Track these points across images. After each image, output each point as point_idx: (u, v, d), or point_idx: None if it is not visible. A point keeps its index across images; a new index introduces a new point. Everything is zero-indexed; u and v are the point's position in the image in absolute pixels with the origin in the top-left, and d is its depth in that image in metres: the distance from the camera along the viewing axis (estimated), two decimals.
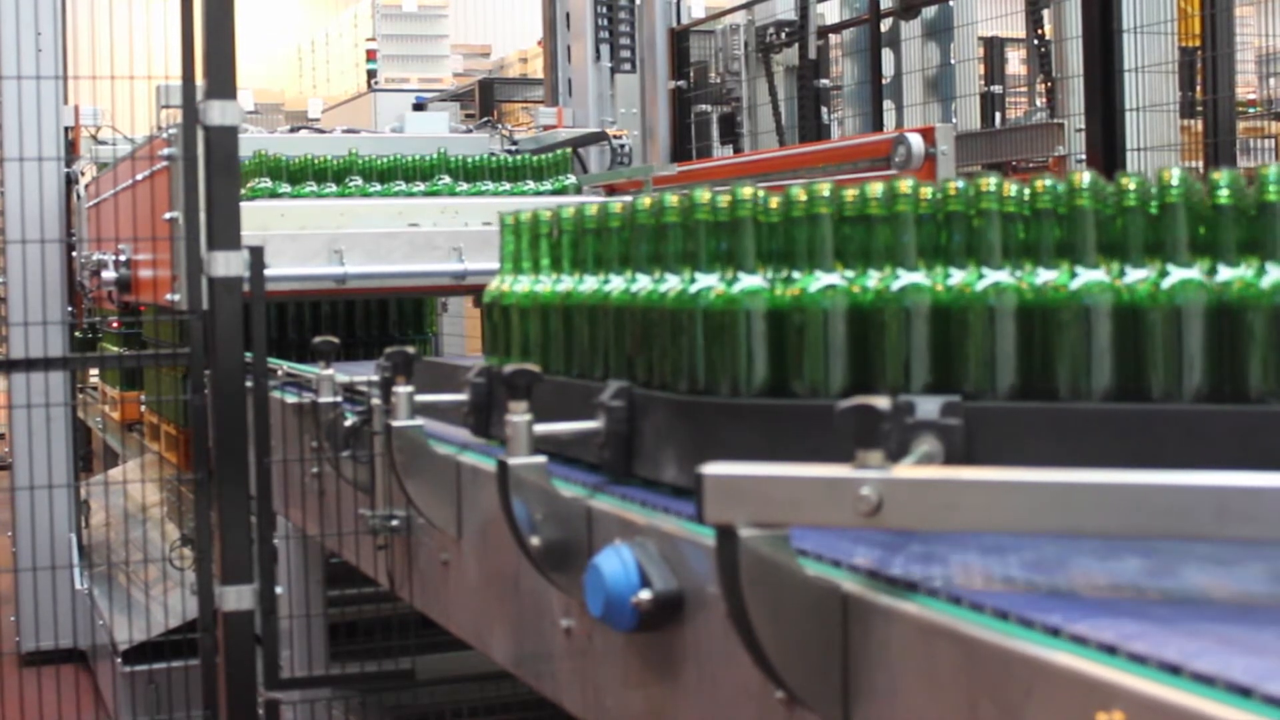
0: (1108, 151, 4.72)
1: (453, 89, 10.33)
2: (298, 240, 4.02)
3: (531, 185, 4.76)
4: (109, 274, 4.50)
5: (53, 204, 6.11)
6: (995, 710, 1.11)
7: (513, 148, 5.65)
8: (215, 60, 3.07)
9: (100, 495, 6.37)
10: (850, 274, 1.59)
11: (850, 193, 1.61)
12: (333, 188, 4.52)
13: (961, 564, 1.33)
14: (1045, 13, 6.42)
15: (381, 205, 4.36)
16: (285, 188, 4.46)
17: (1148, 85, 4.99)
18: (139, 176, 4.28)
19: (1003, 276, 1.50)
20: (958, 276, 1.53)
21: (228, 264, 3.04)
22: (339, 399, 2.80)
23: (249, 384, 3.08)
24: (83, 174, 6.18)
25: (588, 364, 1.95)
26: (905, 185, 1.58)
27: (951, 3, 6.97)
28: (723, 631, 1.41)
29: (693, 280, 1.71)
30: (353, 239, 4.06)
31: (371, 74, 10.72)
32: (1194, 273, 1.43)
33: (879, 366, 1.56)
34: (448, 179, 4.64)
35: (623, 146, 5.71)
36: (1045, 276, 1.49)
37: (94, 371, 7.40)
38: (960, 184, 1.55)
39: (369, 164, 4.61)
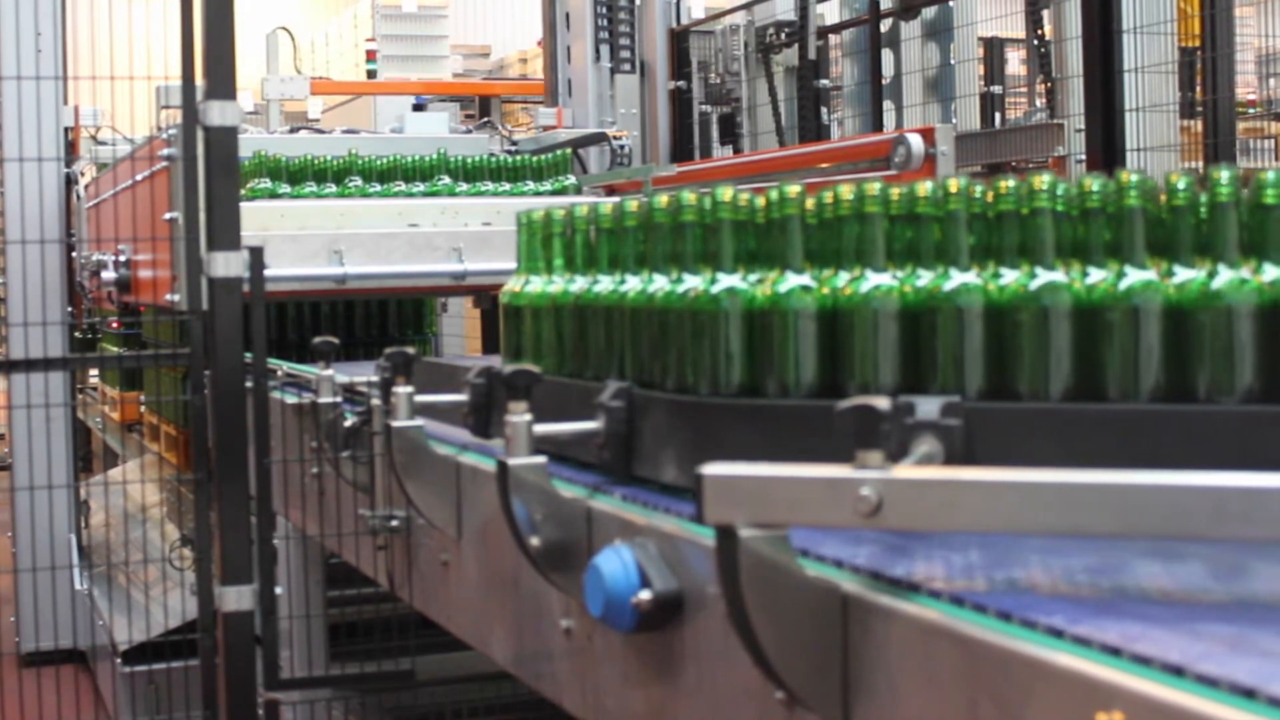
0: (1108, 152, 4.72)
1: None
2: (298, 241, 4.02)
3: (531, 186, 4.76)
4: (109, 274, 4.50)
5: (53, 204, 6.10)
6: (995, 710, 1.11)
7: (512, 148, 5.65)
8: (215, 60, 3.07)
9: (100, 495, 6.37)
10: (901, 274, 1.57)
11: (897, 191, 1.59)
12: (332, 188, 4.52)
13: (962, 564, 1.33)
14: (1045, 13, 6.42)
15: (381, 206, 4.35)
16: (285, 188, 4.45)
17: (1148, 85, 4.98)
18: (139, 177, 4.28)
19: (1056, 276, 1.49)
20: (1009, 276, 1.51)
21: (228, 264, 3.04)
22: (339, 399, 2.80)
23: (249, 384, 3.08)
24: (82, 174, 6.17)
25: (605, 366, 1.92)
26: (956, 184, 1.56)
27: (951, 3, 6.97)
28: (723, 631, 1.41)
29: (714, 280, 1.68)
30: (352, 239, 4.05)
31: (371, 74, 10.72)
32: (1245, 273, 1.43)
33: (929, 368, 1.54)
34: (447, 179, 4.64)
35: (622, 147, 5.71)
36: (1095, 276, 1.47)
37: (94, 372, 7.41)
38: (1012, 182, 1.53)
39: (369, 164, 4.61)
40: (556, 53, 7.17)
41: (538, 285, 2.11)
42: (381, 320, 5.08)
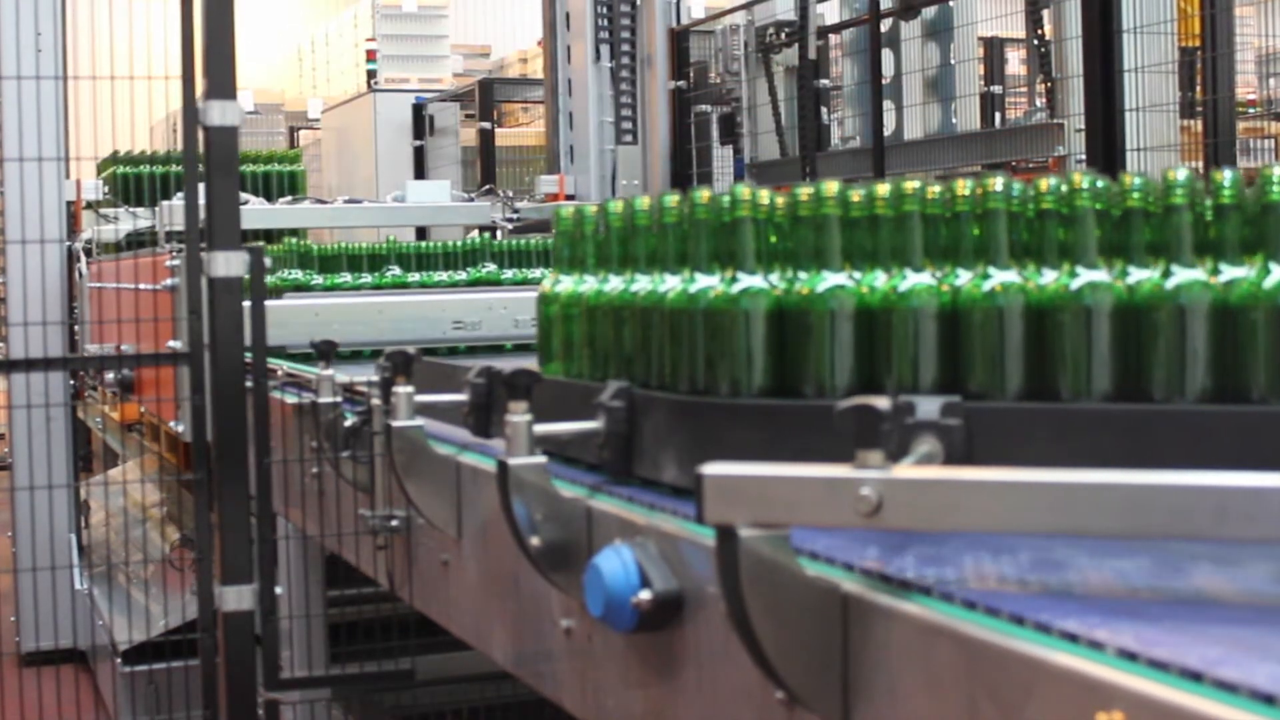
0: (1108, 151, 4.72)
1: (452, 89, 10.32)
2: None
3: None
4: (111, 376, 4.60)
5: (53, 204, 6.11)
6: (995, 710, 1.11)
7: (514, 215, 5.64)
8: (215, 60, 3.07)
9: (100, 495, 6.37)
10: (1026, 272, 1.53)
11: (1016, 186, 1.56)
12: (368, 278, 4.34)
13: (962, 563, 1.33)
14: (1045, 13, 6.41)
15: (423, 302, 4.20)
16: (317, 279, 4.30)
17: (1148, 85, 4.98)
18: (143, 286, 4.30)
19: (1196, 274, 1.45)
20: (1138, 275, 1.47)
21: (228, 264, 3.04)
22: (339, 399, 2.80)
23: (249, 384, 3.08)
24: (85, 252, 6.16)
25: (640, 368, 1.84)
26: (1081, 179, 1.51)
27: (951, 3, 6.96)
28: (723, 631, 1.41)
29: (806, 278, 1.62)
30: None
31: (371, 74, 10.72)
32: None
33: (1058, 369, 1.50)
34: (492, 266, 4.46)
35: None
36: (1234, 273, 1.43)
37: None
38: (1139, 180, 1.49)
39: (405, 249, 4.47)
40: (556, 52, 7.17)
41: (568, 285, 2.06)
42: None
